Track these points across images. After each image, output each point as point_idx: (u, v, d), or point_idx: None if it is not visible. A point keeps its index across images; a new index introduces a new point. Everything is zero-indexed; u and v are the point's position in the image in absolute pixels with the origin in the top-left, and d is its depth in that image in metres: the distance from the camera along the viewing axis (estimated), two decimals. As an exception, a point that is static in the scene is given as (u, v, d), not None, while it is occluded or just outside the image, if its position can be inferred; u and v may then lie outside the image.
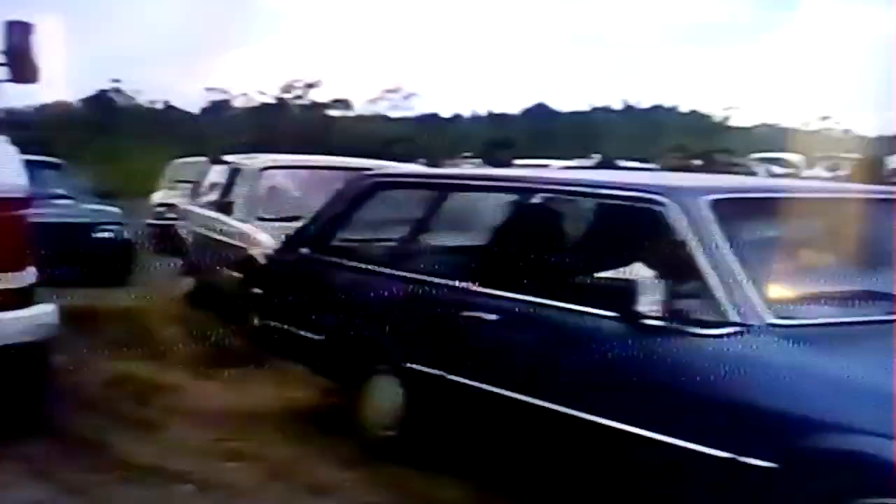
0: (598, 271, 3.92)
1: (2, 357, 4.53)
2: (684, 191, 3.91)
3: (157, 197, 15.84)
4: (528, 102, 54.78)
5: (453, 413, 4.44)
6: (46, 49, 5.18)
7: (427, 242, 5.03)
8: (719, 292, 3.47)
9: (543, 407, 3.87)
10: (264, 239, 7.27)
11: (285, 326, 5.29)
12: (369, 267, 4.94)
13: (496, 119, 49.61)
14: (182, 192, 13.39)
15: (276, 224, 7.32)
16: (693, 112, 54.63)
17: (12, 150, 4.89)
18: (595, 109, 54.31)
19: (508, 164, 19.37)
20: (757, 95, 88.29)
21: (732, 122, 52.20)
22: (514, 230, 4.47)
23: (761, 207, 4.04)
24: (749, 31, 78.41)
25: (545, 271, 4.10)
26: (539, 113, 52.30)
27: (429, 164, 16.06)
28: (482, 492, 4.29)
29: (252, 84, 54.20)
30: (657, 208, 3.78)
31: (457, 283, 4.38)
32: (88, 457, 4.68)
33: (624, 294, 3.53)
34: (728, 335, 3.39)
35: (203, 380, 6.26)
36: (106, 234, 10.58)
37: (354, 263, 5.04)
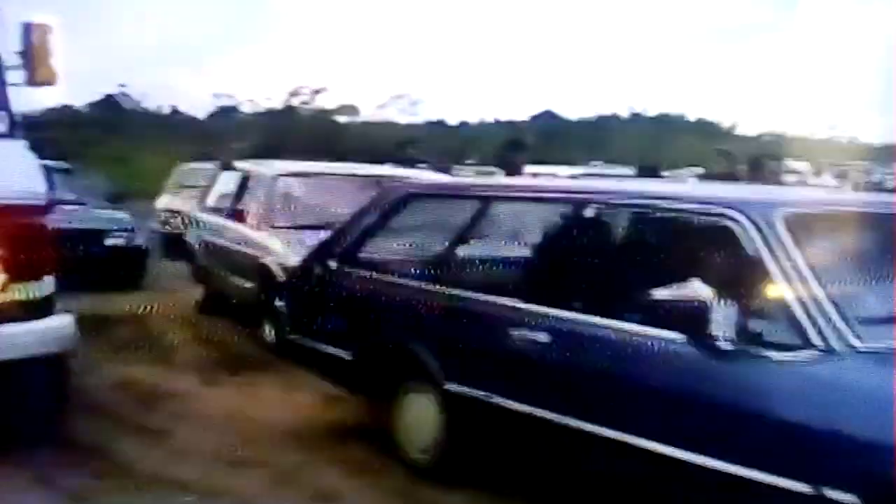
0: (661, 290, 3.64)
1: (20, 369, 4.41)
2: (757, 204, 3.65)
3: (162, 202, 15.71)
4: (536, 109, 54.80)
5: (498, 437, 4.23)
6: (56, 52, 5.07)
7: (467, 255, 4.79)
8: (799, 314, 3.24)
9: (602, 435, 3.63)
10: (278, 247, 7.16)
11: (313, 342, 5.10)
12: (404, 281, 4.72)
13: (504, 125, 49.57)
14: (186, 197, 13.29)
15: (291, 232, 7.23)
16: (700, 120, 54.69)
17: (31, 156, 4.75)
18: (602, 117, 54.37)
19: (521, 168, 19.14)
20: (763, 103, 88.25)
21: (739, 130, 52.24)
22: (567, 244, 4.22)
23: (839, 221, 3.79)
24: (755, 39, 78.33)
25: (603, 289, 3.89)
26: (546, 120, 52.30)
27: (433, 171, 15.94)
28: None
29: (259, 89, 54.23)
30: (728, 223, 3.54)
31: (504, 300, 4.16)
32: (94, 463, 4.59)
33: (695, 315, 3.31)
34: (810, 360, 3.18)
35: (213, 387, 6.20)
36: (117, 241, 10.48)
37: (387, 277, 4.83)
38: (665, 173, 20.78)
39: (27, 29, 4.94)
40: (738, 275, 3.44)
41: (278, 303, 5.64)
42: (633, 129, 50.90)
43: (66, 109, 34.85)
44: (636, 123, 53.13)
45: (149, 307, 8.93)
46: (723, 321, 3.27)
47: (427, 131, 41.45)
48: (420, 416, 4.52)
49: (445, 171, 17.78)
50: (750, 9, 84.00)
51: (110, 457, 4.72)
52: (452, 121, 51.55)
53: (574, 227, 4.22)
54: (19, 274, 4.38)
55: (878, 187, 20.20)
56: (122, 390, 5.98)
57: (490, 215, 4.76)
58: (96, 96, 41.41)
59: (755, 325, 3.30)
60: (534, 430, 3.96)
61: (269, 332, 7.15)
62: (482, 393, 4.14)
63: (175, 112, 43.14)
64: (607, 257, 4.15)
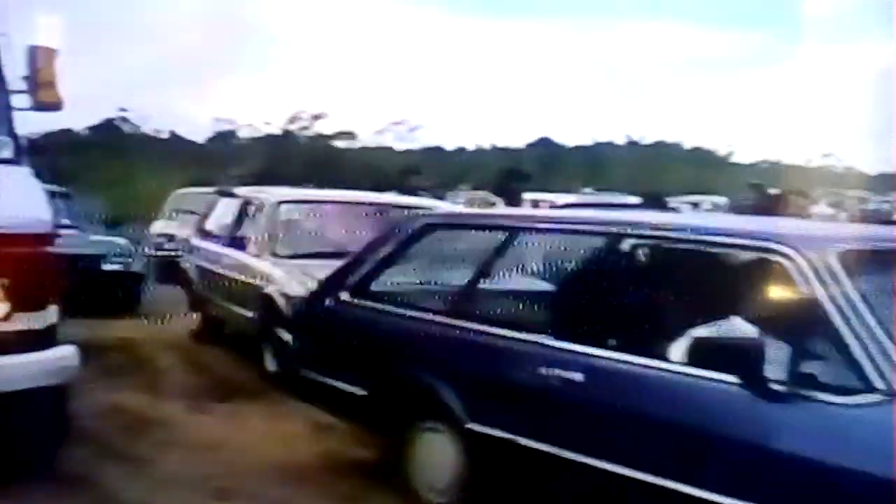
0: (707, 328, 3.52)
1: (21, 402, 4.27)
2: (810, 240, 3.49)
3: (157, 227, 15.66)
4: (533, 136, 54.87)
5: (525, 481, 4.00)
6: (61, 76, 4.99)
7: (492, 289, 4.60)
8: (859, 355, 3.07)
9: (643, 482, 3.42)
10: (281, 277, 7.04)
11: (323, 376, 4.91)
12: (423, 315, 4.53)
13: (501, 152, 49.60)
14: (182, 223, 13.21)
15: (295, 261, 7.13)
16: (696, 148, 54.77)
17: (36, 183, 4.66)
18: (599, 144, 54.42)
19: (520, 197, 18.96)
20: (760, 132, 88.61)
21: (735, 158, 52.36)
22: (603, 279, 4.02)
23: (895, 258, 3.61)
24: (752, 68, 78.80)
25: (644, 327, 3.72)
26: (543, 146, 52.34)
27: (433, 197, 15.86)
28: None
29: (258, 114, 54.30)
30: (780, 259, 3.38)
31: (534, 337, 3.97)
32: (78, 493, 4.51)
33: (746, 356, 3.17)
34: (872, 404, 3.00)
35: (209, 416, 6.11)
36: (113, 266, 10.40)
37: (405, 311, 4.65)
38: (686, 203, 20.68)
39: (33, 52, 4.87)
40: (791, 313, 3.30)
41: (286, 335, 5.49)
42: (630, 156, 50.97)
43: (66, 133, 34.80)
44: (633, 150, 53.23)
45: (145, 334, 8.87)
46: (776, 362, 3.11)
47: (424, 157, 41.48)
48: (438, 457, 4.32)
49: (440, 197, 17.67)
50: (746, 40, 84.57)
51: (97, 486, 4.63)
52: (450, 146, 51.61)
53: (611, 261, 4.03)
54: (23, 303, 4.25)
55: (879, 217, 20.12)
56: (117, 419, 5.87)
57: (516, 247, 4.59)
58: (96, 120, 41.39)
59: (810, 366, 3.14)
60: (566, 474, 3.77)
61: (270, 363, 7.03)
62: (509, 434, 3.93)
63: (174, 136, 43.11)
64: (647, 293, 3.96)
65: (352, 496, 4.64)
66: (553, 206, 10.19)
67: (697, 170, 45.61)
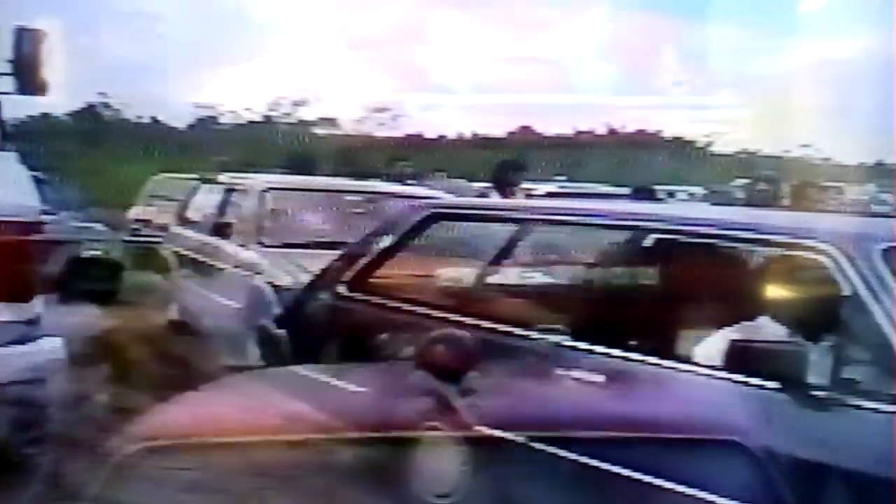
0: (733, 330, 3.40)
1: (2, 397, 4.15)
2: (851, 237, 3.36)
3: (134, 213, 15.59)
4: (513, 125, 54.72)
5: (536, 489, 3.83)
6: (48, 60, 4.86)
7: (502, 284, 4.46)
8: None
9: (665, 489, 3.29)
10: (268, 267, 6.85)
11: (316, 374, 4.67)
12: (426, 311, 4.37)
13: (481, 140, 49.42)
14: (162, 210, 13.05)
15: (282, 251, 6.95)
16: (676, 138, 54.85)
17: (21, 169, 4.56)
18: (579, 133, 54.38)
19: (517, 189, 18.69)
20: (739, 122, 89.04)
21: (714, 149, 52.51)
22: (627, 276, 3.88)
23: None
24: (734, 59, 79.02)
25: (668, 328, 3.60)
26: (523, 135, 52.24)
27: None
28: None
29: (239, 101, 53.81)
30: (820, 257, 3.26)
31: (548, 336, 3.83)
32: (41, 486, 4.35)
33: (784, 361, 3.04)
34: None
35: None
36: (90, 253, 10.18)
37: (406, 306, 4.49)
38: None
39: (20, 35, 4.72)
40: (831, 315, 3.17)
41: (274, 329, 5.26)
42: (611, 145, 51.01)
43: (45, 118, 34.32)
44: (613, 140, 53.25)
45: (122, 325, 8.66)
46: (817, 368, 2.97)
47: (405, 145, 41.30)
48: (441, 459, 4.12)
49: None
50: (729, 30, 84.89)
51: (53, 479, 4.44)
52: (430, 134, 51.34)
53: (634, 257, 3.88)
54: (7, 295, 4.13)
55: (859, 209, 20.02)
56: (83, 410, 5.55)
57: (529, 239, 4.43)
58: (76, 105, 40.81)
59: (853, 372, 3.01)
60: (583, 481, 3.62)
61: (255, 356, 6.77)
62: (520, 438, 3.76)
63: (155, 122, 42.62)
64: (672, 291, 3.79)
65: (323, 490, 4.41)
66: (529, 196, 10.09)
67: (677, 160, 45.71)
